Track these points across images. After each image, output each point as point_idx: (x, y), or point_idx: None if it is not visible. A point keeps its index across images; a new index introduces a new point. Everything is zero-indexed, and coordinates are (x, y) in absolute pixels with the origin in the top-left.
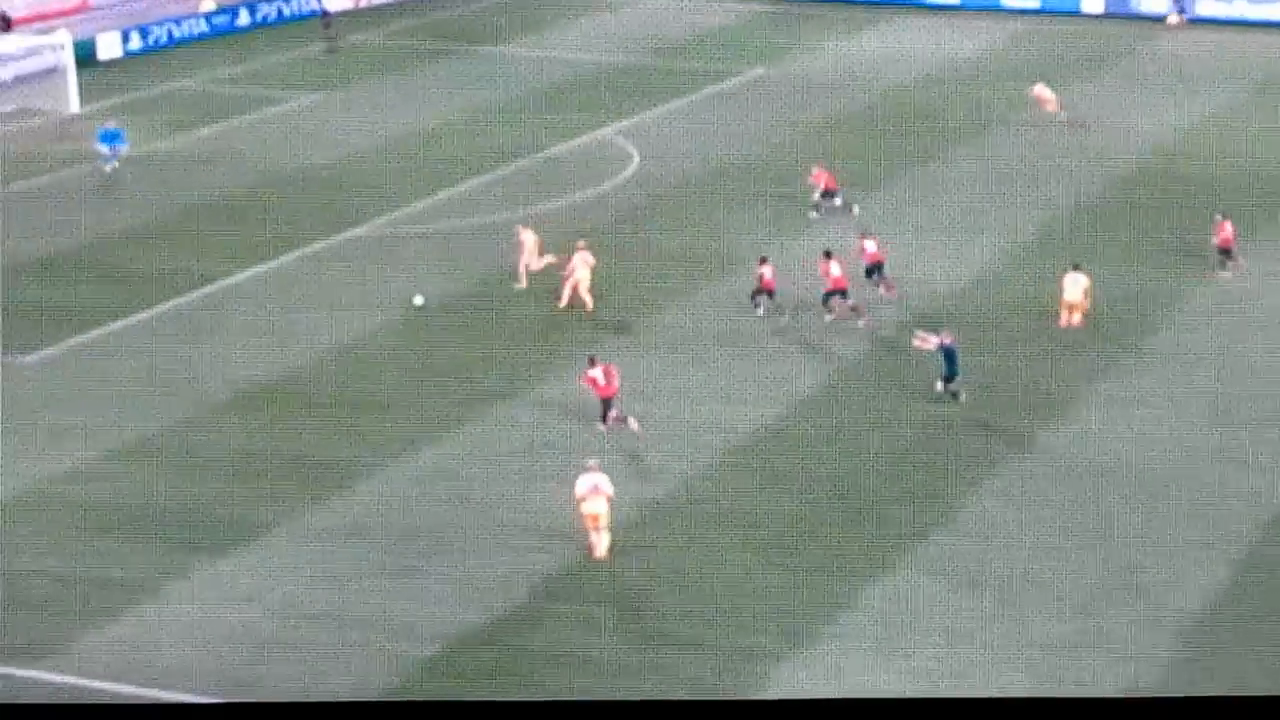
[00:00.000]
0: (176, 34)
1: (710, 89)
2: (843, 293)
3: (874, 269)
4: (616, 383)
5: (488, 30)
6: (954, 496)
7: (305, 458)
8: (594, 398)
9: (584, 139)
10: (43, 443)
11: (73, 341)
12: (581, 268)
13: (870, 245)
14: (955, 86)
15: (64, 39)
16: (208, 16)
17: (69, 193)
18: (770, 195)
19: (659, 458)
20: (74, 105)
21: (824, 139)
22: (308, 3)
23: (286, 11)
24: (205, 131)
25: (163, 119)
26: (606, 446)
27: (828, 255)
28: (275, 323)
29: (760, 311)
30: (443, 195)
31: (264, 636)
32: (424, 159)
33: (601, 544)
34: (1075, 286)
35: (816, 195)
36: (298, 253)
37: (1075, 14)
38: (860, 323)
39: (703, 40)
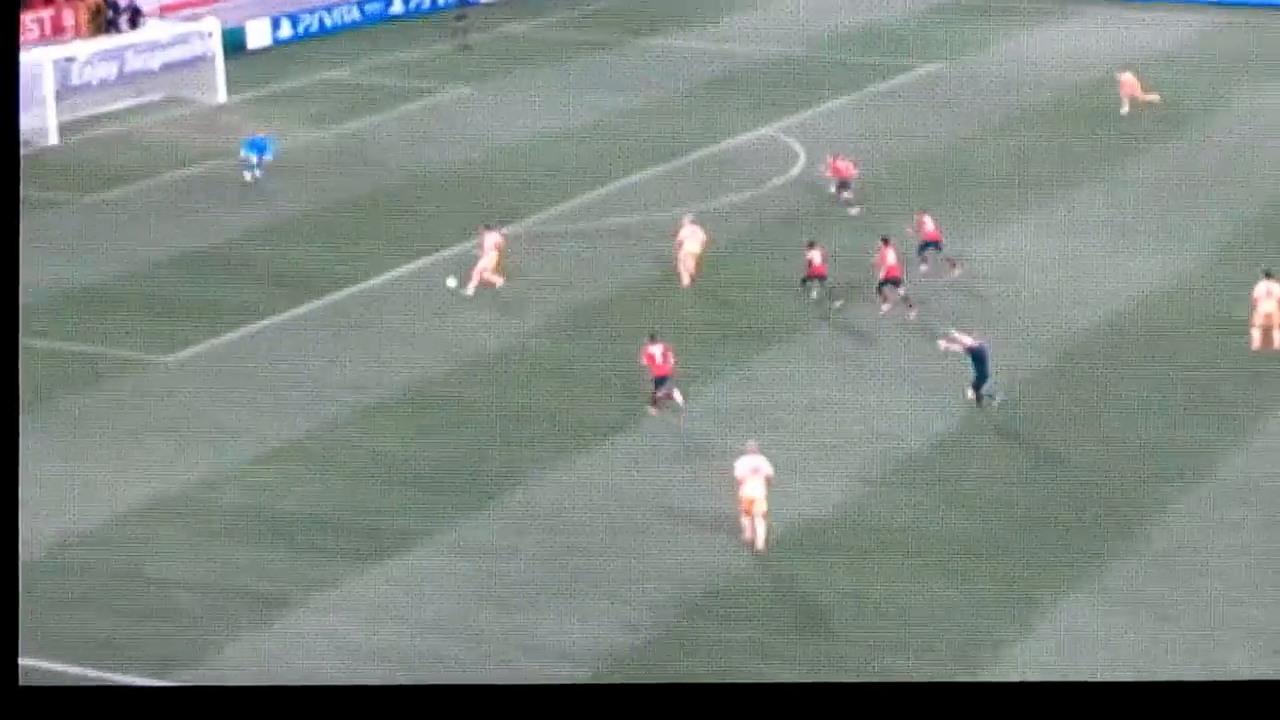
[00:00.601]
0: (328, 22)
1: (882, 85)
2: (896, 282)
3: (928, 246)
4: (672, 362)
5: (645, 21)
6: (1138, 520)
7: (456, 466)
8: (649, 375)
9: (747, 136)
10: (184, 446)
11: (215, 341)
12: (690, 241)
13: (929, 222)
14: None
15: (213, 26)
16: (360, 4)
17: (213, 186)
18: (944, 198)
19: (825, 471)
20: (221, 95)
21: (1002, 138)
22: None
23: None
24: (354, 125)
25: (311, 111)
26: (778, 462)
27: (885, 241)
28: (424, 325)
29: (814, 295)
30: (597, 194)
31: (410, 653)
32: (577, 156)
33: (759, 534)
34: (1269, 299)
35: (833, 188)
36: (447, 252)
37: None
38: (911, 314)
39: (874, 33)
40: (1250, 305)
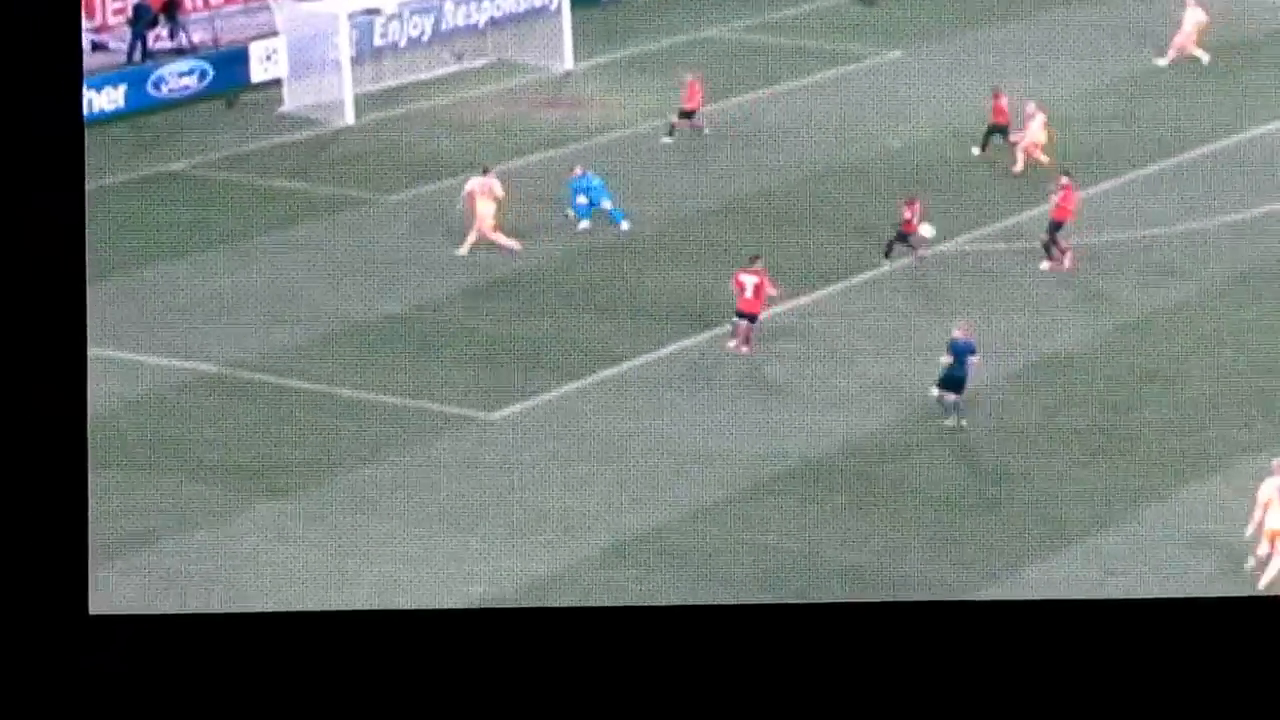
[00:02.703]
0: None
1: None
2: None
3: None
4: (764, 300)
5: None
6: None
7: (863, 571)
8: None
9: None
10: (515, 534)
11: (554, 393)
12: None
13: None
14: None
15: None
16: None
17: (558, 182)
18: None
19: None
20: (567, 61)
21: None
22: None
23: None
24: (740, 100)
25: (682, 81)
26: None
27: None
28: (827, 370)
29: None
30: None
31: None
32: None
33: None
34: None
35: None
36: (862, 277)
37: None
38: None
39: None
40: None
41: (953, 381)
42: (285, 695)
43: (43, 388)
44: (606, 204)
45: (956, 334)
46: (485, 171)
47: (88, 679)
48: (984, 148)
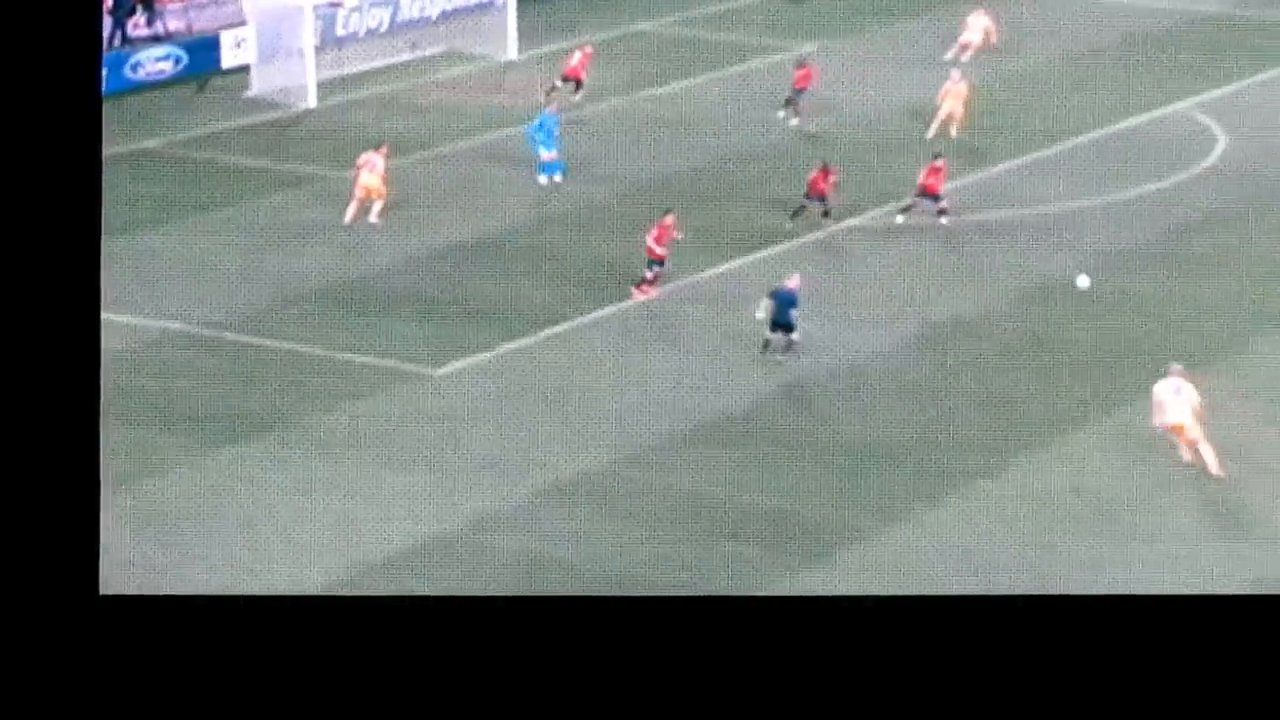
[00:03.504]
0: None
1: None
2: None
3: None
4: (666, 242)
5: None
6: None
7: (781, 515)
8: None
9: (1155, 114)
10: (461, 478)
11: (495, 351)
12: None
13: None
14: None
15: None
16: None
17: (501, 161)
18: None
19: None
20: (512, 51)
21: None
22: None
23: None
24: (667, 89)
25: (617, 72)
26: None
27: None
28: (746, 330)
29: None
30: (968, 180)
31: None
32: (943, 133)
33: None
34: None
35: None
36: (779, 248)
37: None
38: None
39: None
40: None
41: (781, 325)
42: (274, 681)
43: (54, 372)
44: (549, 154)
45: (788, 284)
46: (378, 148)
47: (93, 655)
48: (786, 106)
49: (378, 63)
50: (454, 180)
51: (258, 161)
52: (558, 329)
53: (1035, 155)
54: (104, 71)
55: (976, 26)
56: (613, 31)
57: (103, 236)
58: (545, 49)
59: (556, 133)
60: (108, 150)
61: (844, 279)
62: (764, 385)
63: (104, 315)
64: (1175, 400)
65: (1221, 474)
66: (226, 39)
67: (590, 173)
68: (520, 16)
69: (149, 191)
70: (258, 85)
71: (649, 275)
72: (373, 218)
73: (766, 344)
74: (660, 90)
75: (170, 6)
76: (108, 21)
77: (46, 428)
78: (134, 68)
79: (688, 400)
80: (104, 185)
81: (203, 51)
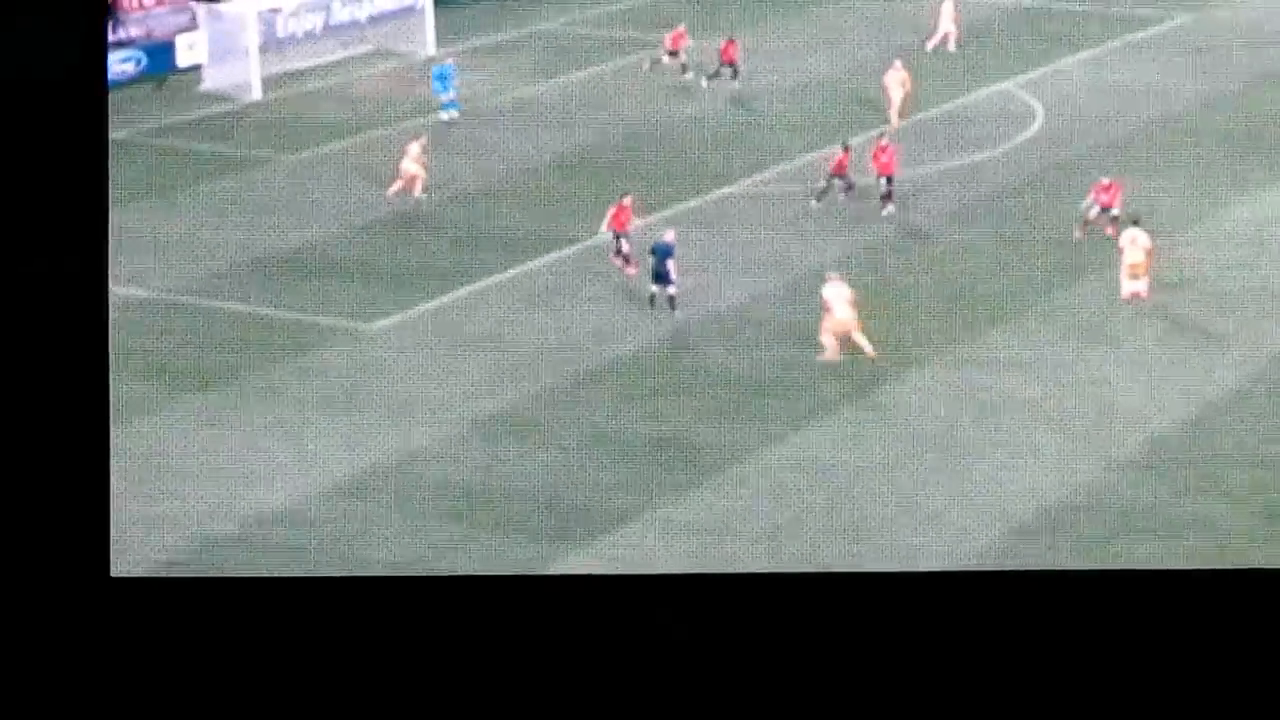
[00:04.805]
0: None
1: (1126, 37)
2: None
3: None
4: (626, 223)
5: None
6: None
7: (672, 440)
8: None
9: (983, 92)
10: (388, 418)
11: (420, 309)
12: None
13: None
14: None
15: None
16: None
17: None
18: (1197, 161)
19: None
20: (430, 48)
21: (1256, 98)
22: None
23: None
24: (567, 79)
25: (523, 65)
26: None
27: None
28: (637, 290)
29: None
30: (827, 151)
31: None
32: (806, 111)
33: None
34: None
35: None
36: (662, 213)
37: None
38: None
39: None
40: None
41: (660, 277)
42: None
43: (60, 371)
44: (447, 95)
45: (665, 238)
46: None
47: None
48: (711, 78)
49: (314, 60)
50: (382, 161)
51: (211, 147)
52: (474, 287)
53: (887, 129)
54: None
55: (948, 15)
56: (520, 30)
57: None
58: (460, 46)
59: (455, 80)
60: None
61: (723, 238)
62: (658, 330)
63: None
64: (838, 299)
65: (873, 354)
66: (181, 42)
67: (494, 152)
68: (437, 18)
69: (117, 176)
70: (209, 82)
71: (624, 250)
72: (417, 192)
73: (652, 298)
74: (556, 81)
75: (132, 15)
76: None
77: (55, 413)
78: None
79: (587, 346)
80: None
81: (160, 53)
